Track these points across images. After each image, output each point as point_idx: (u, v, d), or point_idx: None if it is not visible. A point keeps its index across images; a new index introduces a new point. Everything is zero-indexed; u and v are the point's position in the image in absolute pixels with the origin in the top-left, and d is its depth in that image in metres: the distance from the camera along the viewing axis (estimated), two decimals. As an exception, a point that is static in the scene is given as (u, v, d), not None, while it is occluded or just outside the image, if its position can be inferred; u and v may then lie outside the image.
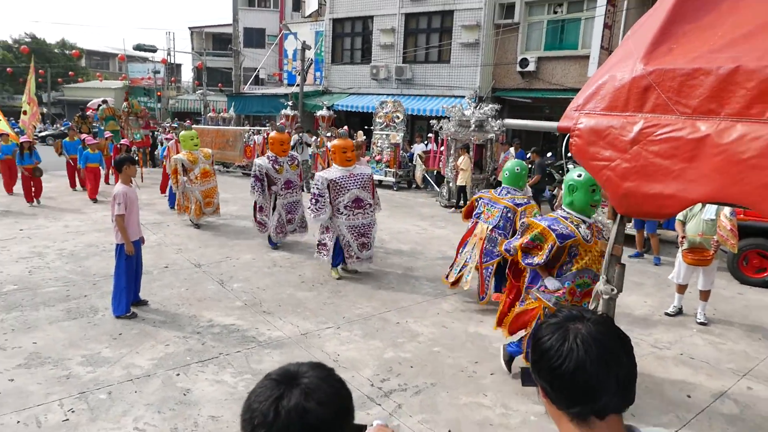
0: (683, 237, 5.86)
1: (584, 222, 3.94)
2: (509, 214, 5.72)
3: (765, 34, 1.15)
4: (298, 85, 20.70)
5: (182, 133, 9.46)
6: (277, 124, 9.17)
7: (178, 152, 9.90)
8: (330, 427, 0.93)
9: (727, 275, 7.68)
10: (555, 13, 16.88)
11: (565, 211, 4.03)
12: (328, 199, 6.52)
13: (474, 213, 6.13)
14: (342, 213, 6.56)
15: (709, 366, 4.78)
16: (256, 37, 32.47)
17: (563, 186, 4.15)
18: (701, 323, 5.83)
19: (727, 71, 1.11)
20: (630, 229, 9.31)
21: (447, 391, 4.12)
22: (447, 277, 6.19)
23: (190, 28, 38.46)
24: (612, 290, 1.47)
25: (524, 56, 16.77)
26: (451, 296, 6.33)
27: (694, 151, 1.13)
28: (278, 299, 5.92)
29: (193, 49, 37.62)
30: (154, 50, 24.99)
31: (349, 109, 19.74)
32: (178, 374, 4.19)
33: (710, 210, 5.81)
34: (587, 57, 15.27)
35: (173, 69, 37.63)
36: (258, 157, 10.97)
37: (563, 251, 3.88)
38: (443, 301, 6.14)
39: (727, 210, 5.71)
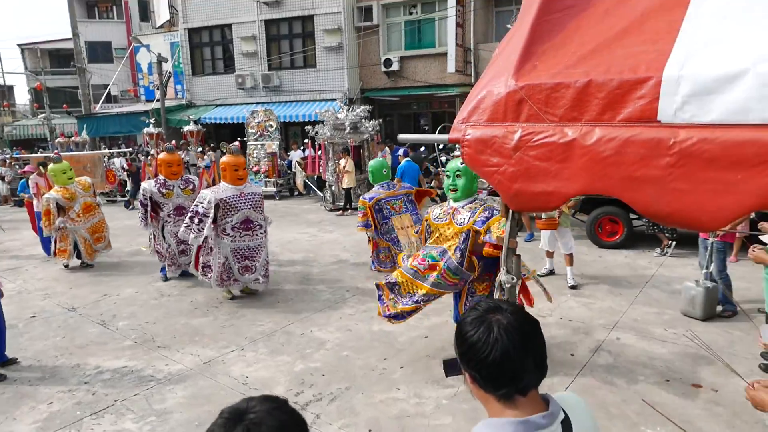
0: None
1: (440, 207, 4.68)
2: (410, 197, 6.83)
3: (605, 50, 1.38)
4: (158, 101, 19.48)
5: (51, 166, 8.25)
6: (167, 144, 8.18)
7: (49, 187, 8.54)
8: None
9: (587, 242, 8.68)
10: (410, 14, 17.71)
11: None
12: (212, 220, 6.08)
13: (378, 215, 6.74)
14: (228, 234, 6.17)
15: (584, 325, 5.41)
16: (101, 52, 29.90)
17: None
18: (572, 287, 6.60)
19: (582, 84, 1.32)
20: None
21: (362, 392, 4.21)
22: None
23: (20, 46, 34.27)
24: (512, 279, 1.66)
25: (387, 56, 17.39)
26: (351, 299, 6.44)
27: (565, 153, 1.33)
28: (172, 331, 5.59)
29: (26, 68, 33.61)
30: (-22, 73, 21.91)
31: (217, 122, 19.02)
32: (69, 433, 3.82)
33: None
34: (445, 54, 16.23)
35: (4, 92, 33.36)
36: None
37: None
38: (344, 305, 6.23)
39: None
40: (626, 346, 4.89)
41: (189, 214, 6.25)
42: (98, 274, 7.88)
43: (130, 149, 19.82)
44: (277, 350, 5.05)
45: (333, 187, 13.07)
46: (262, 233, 6.41)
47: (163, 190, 7.15)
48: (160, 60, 18.67)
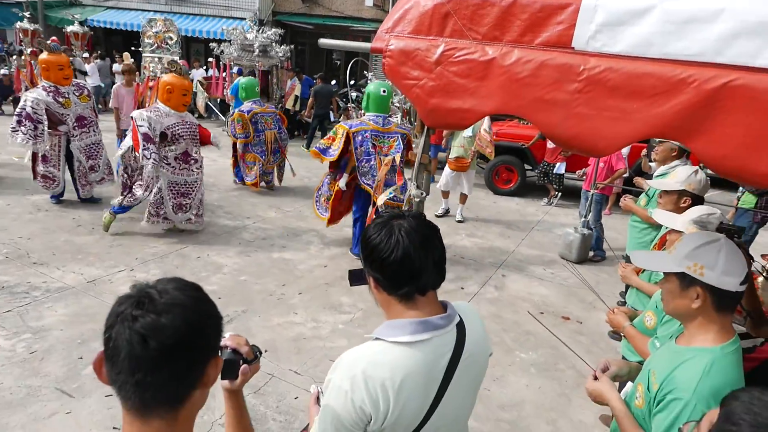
0: (449, 150, 7.17)
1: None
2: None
3: (533, -27, 1.40)
4: (35, -7, 16.95)
5: None
6: (50, 42, 6.61)
7: None
8: (161, 335, 0.91)
9: (484, 188, 9.15)
10: (332, -64, 16.72)
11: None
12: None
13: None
14: (169, 165, 5.50)
15: (475, 262, 5.78)
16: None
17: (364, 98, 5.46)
18: (459, 221, 7.25)
19: (507, 4, 1.34)
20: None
21: (259, 315, 4.23)
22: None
23: None
24: (422, 194, 1.72)
25: (304, -21, 16.44)
26: (251, 226, 6.32)
27: (485, 72, 1.36)
28: (51, 247, 5.16)
29: None
30: None
31: (107, 26, 17.06)
32: (-74, 348, 3.46)
33: (469, 129, 6.87)
34: (364, -15, 15.67)
35: None
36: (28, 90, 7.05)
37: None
38: (243, 232, 6.10)
39: (486, 125, 6.85)
40: (510, 282, 5.33)
41: (142, 143, 5.20)
42: (-41, 183, 6.98)
43: (-1, 46, 17.25)
44: (170, 272, 4.87)
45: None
46: (198, 168, 5.74)
47: (60, 99, 6.04)
48: (39, -55, 16.13)
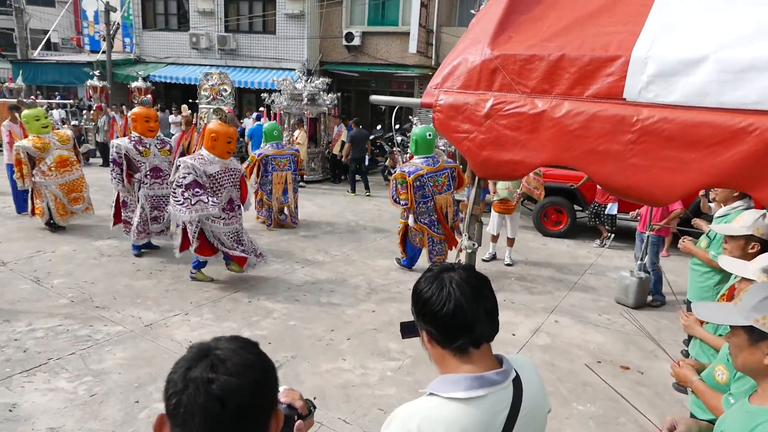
0: (494, 192, 7.07)
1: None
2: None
3: (579, 27, 1.43)
4: (104, 52, 18.41)
5: (25, 112, 7.35)
6: (142, 98, 7.10)
7: (24, 136, 7.53)
8: (238, 397, 0.95)
9: (533, 230, 8.99)
10: (376, -12, 17.45)
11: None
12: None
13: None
14: (221, 217, 5.54)
15: (526, 307, 5.63)
16: (43, -6, 27.84)
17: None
18: (508, 264, 7.11)
19: (555, 58, 1.36)
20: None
21: (308, 361, 4.23)
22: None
23: (-51, -21, 31.35)
24: (473, 245, 1.72)
25: (349, 30, 17.11)
26: (300, 270, 6.42)
27: (535, 124, 1.37)
28: (112, 291, 5.40)
29: (-44, 4, 30.82)
30: None
31: (167, 81, 18.22)
32: (-3, 389, 3.64)
33: None
34: (407, 33, 16.13)
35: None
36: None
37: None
38: (292, 276, 6.19)
39: None
40: (563, 328, 5.14)
41: (179, 189, 5.26)
42: (32, 229, 7.45)
43: (71, 101, 18.70)
44: (222, 316, 4.98)
45: (286, 159, 12.84)
46: (240, 214, 5.83)
47: (140, 148, 6.38)
48: (109, 9, 17.60)
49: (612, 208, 8.07)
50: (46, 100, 17.74)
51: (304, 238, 7.88)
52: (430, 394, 1.26)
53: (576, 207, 8.88)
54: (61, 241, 6.99)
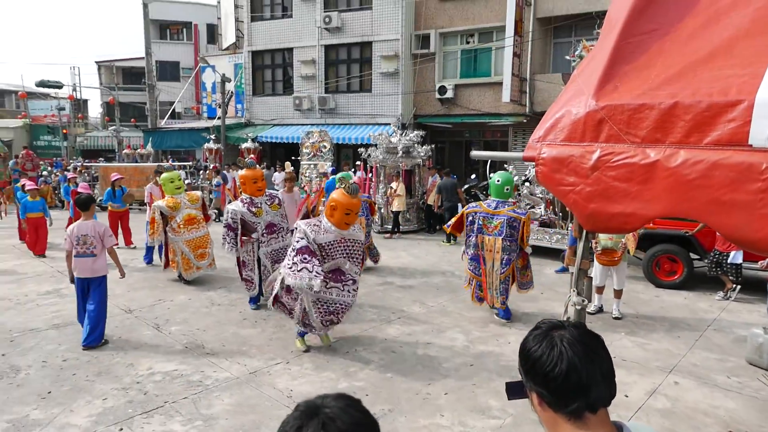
0: (596, 242, 6.60)
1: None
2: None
3: (691, 73, 1.36)
4: (219, 118, 20.33)
5: (163, 175, 8.14)
6: (246, 159, 7.63)
7: (162, 196, 8.37)
8: None
9: (643, 280, 8.34)
10: (467, 43, 17.86)
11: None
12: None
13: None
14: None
15: (639, 366, 5.16)
16: (170, 70, 31.57)
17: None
18: (616, 318, 6.62)
19: (668, 106, 1.30)
20: (553, 244, 9.91)
21: (405, 415, 4.16)
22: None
23: (97, 62, 36.67)
24: (583, 301, 1.63)
25: (442, 84, 17.53)
26: (396, 321, 6.41)
27: (647, 175, 1.31)
28: (221, 339, 5.72)
29: (101, 84, 35.89)
30: (59, 86, 23.63)
31: (273, 140, 19.62)
32: (121, 429, 3.93)
33: None
34: (500, 83, 16.21)
35: (80, 105, 35.64)
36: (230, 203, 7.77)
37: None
38: (389, 327, 6.20)
39: None
40: (685, 391, 4.63)
41: (292, 252, 5.14)
42: (154, 280, 8.19)
43: (189, 163, 20.69)
44: (321, 366, 5.07)
45: (382, 210, 13.16)
46: (353, 290, 5.34)
47: (253, 209, 6.62)
48: (224, 80, 19.56)
49: (736, 257, 7.31)
50: (170, 163, 19.79)
51: (400, 288, 7.90)
52: (545, 462, 1.19)
53: (693, 255, 8.14)
54: (179, 291, 7.59)
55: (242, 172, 6.92)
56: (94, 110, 48.15)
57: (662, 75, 1.37)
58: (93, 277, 5.57)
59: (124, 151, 20.16)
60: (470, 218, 6.54)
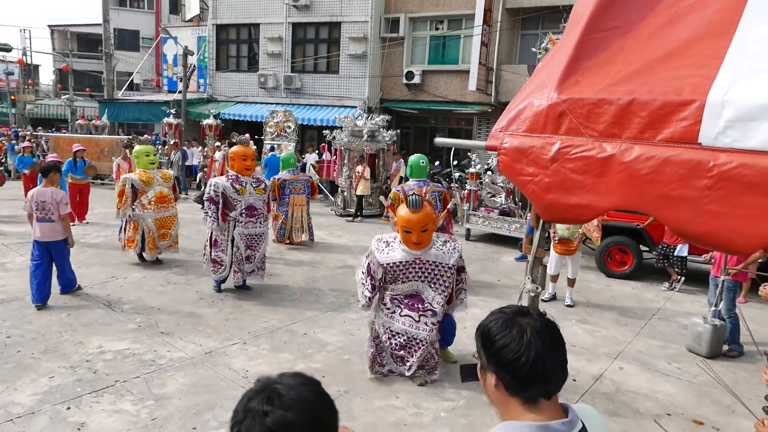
0: (554, 232, 6.80)
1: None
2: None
3: (649, 71, 1.41)
4: (180, 92, 19.69)
5: (137, 148, 7.77)
6: (241, 137, 7.21)
7: (131, 170, 7.94)
8: (299, 430, 0.97)
9: (596, 270, 8.65)
10: (437, 29, 17.84)
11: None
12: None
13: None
14: (386, 307, 4.61)
15: (588, 351, 5.38)
16: (129, 39, 30.33)
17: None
18: (568, 305, 6.85)
19: (625, 102, 1.35)
20: (512, 233, 10.14)
21: (361, 396, 4.21)
22: None
23: (50, 27, 34.85)
24: (537, 288, 1.68)
25: (410, 69, 17.50)
26: (355, 304, 6.43)
27: (603, 168, 1.35)
28: (176, 318, 5.62)
29: (54, 49, 34.14)
30: (7, 49, 22.34)
31: (236, 118, 19.17)
32: (68, 408, 3.83)
33: None
34: (467, 71, 16.31)
35: (30, 70, 33.81)
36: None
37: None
38: (348, 310, 6.23)
39: None
40: (629, 376, 4.86)
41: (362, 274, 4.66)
42: (107, 256, 7.93)
43: (147, 137, 20.01)
44: (279, 347, 5.06)
45: (345, 193, 13.12)
46: (432, 323, 4.49)
47: (237, 186, 6.38)
48: (186, 53, 18.91)
49: (682, 250, 7.66)
50: (127, 136, 19.10)
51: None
52: (492, 441, 1.23)
53: (642, 247, 8.48)
54: (133, 268, 7.39)
55: (234, 148, 6.70)
56: (46, 77, 45.91)
57: (622, 72, 1.41)
58: (53, 240, 5.92)
59: (77, 122, 19.32)
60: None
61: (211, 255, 6.42)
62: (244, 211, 6.41)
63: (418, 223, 4.36)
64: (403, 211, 4.49)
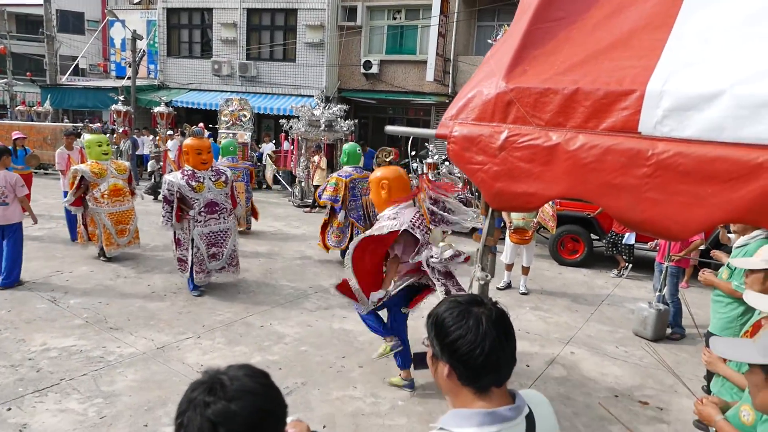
0: (510, 222, 6.95)
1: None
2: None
3: (593, 61, 1.44)
4: (129, 78, 18.91)
5: (88, 137, 7.18)
6: (194, 128, 6.68)
7: (83, 161, 7.37)
8: (233, 423, 0.94)
9: (549, 259, 8.89)
10: (394, 18, 17.79)
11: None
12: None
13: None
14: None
15: (541, 338, 5.53)
16: (73, 22, 28.91)
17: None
18: (522, 293, 7.03)
19: (570, 92, 1.37)
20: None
21: (318, 388, 4.19)
22: None
23: (-15, 7, 32.72)
24: (486, 276, 1.70)
25: (368, 58, 17.40)
26: (313, 295, 6.40)
27: (549, 157, 1.38)
28: (126, 313, 5.43)
29: (-10, 31, 32.09)
30: (-62, 30, 20.84)
31: (189, 106, 18.62)
32: (9, 409, 3.65)
33: None
34: (425, 62, 16.35)
35: (-36, 53, 31.71)
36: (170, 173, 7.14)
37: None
38: (305, 301, 6.18)
39: None
40: (579, 361, 5.03)
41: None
42: (51, 249, 7.58)
43: (95, 125, 19.17)
44: (234, 340, 4.97)
45: (302, 183, 12.98)
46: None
47: (193, 183, 5.95)
48: (135, 37, 18.15)
49: (630, 238, 7.96)
50: (72, 124, 18.22)
51: (318, 263, 7.88)
52: (441, 429, 1.23)
53: (593, 236, 8.77)
54: (80, 262, 7.09)
55: (187, 140, 6.29)
56: (-18, 61, 43.14)
57: (567, 62, 1.44)
58: (7, 224, 5.95)
59: (17, 108, 18.29)
60: (351, 185, 7.44)
61: (176, 254, 6.21)
62: (203, 209, 6.03)
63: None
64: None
